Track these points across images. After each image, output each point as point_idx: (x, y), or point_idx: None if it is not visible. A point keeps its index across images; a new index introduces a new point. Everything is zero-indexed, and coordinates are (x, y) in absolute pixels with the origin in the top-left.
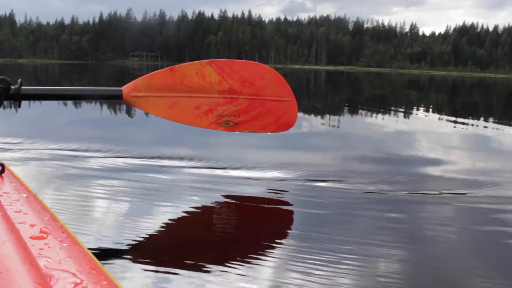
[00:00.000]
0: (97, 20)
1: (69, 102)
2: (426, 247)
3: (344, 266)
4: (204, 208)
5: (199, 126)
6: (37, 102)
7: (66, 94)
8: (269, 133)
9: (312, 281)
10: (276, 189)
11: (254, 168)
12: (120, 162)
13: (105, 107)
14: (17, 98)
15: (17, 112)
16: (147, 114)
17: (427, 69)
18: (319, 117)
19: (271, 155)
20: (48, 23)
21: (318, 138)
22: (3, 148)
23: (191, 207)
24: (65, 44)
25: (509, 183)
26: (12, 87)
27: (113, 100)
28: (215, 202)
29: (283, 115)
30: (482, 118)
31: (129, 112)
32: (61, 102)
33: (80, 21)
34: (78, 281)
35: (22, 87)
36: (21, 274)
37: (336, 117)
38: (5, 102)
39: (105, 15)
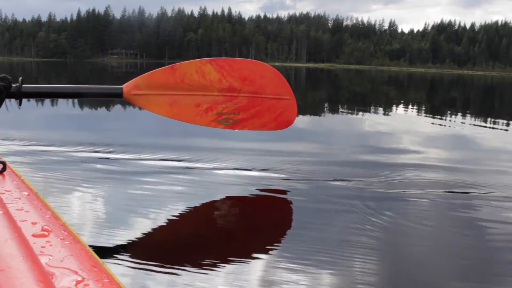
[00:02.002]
0: (75, 17)
1: (70, 100)
2: (406, 244)
3: (327, 264)
4: (204, 206)
5: (199, 124)
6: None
7: (67, 92)
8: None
9: (300, 279)
10: (267, 185)
11: (250, 165)
12: (120, 160)
13: (106, 105)
14: (18, 96)
15: (18, 110)
16: (147, 112)
17: (406, 66)
18: (300, 114)
19: (263, 153)
20: (24, 20)
21: (301, 136)
22: (4, 146)
23: (191, 205)
24: (42, 42)
25: (486, 181)
26: (13, 85)
27: (114, 98)
28: (214, 199)
29: (282, 113)
30: (460, 115)
31: (129, 110)
32: (62, 100)
33: (58, 18)
34: (80, 278)
35: (23, 85)
36: (23, 272)
37: (317, 115)
38: (6, 100)
39: (83, 12)
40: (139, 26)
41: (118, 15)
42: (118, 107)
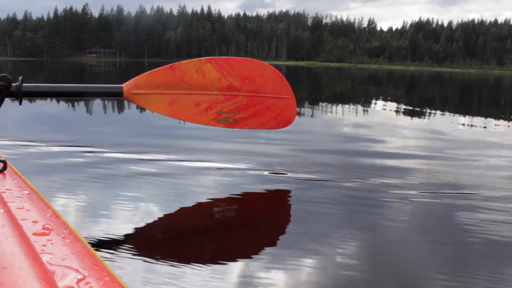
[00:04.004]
0: (51, 15)
1: (71, 99)
2: (386, 239)
3: (313, 260)
4: (203, 204)
5: (199, 123)
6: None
7: (67, 91)
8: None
9: (283, 277)
10: (259, 183)
11: (246, 161)
12: (121, 158)
13: (107, 104)
14: (18, 96)
15: (19, 109)
16: (147, 111)
17: (385, 64)
18: None
19: (250, 151)
20: None
21: (288, 134)
22: (5, 145)
23: (191, 203)
24: (19, 41)
25: (464, 176)
26: (13, 84)
27: (114, 97)
28: (212, 197)
29: (282, 112)
30: (439, 112)
31: (130, 109)
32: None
33: (34, 17)
34: (81, 276)
35: (23, 84)
36: (25, 270)
37: (300, 113)
38: (6, 99)
39: (60, 11)
40: (117, 25)
41: (96, 14)
42: (119, 106)
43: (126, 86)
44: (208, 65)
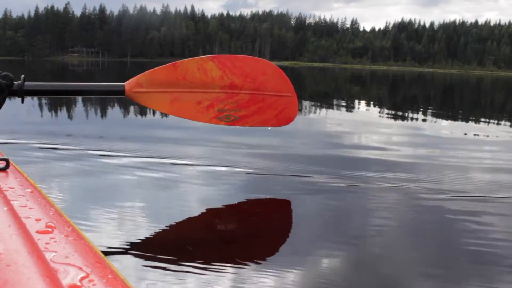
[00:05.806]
0: (32, 14)
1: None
2: (369, 237)
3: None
4: (205, 205)
5: (200, 121)
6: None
7: (69, 89)
8: (269, 128)
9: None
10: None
11: (250, 166)
12: (124, 158)
13: (110, 102)
14: (20, 94)
15: (21, 108)
16: (151, 111)
17: (368, 64)
18: None
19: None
20: None
21: (278, 134)
22: (7, 144)
23: (193, 204)
24: None
25: (446, 174)
26: (15, 82)
27: (115, 96)
28: (215, 198)
29: (283, 110)
30: (421, 111)
31: (135, 109)
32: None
33: (14, 15)
34: (84, 274)
35: (25, 82)
36: (29, 268)
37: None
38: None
39: (41, 9)
40: (100, 24)
41: (78, 12)
42: (121, 104)
43: (128, 84)
44: (210, 63)
